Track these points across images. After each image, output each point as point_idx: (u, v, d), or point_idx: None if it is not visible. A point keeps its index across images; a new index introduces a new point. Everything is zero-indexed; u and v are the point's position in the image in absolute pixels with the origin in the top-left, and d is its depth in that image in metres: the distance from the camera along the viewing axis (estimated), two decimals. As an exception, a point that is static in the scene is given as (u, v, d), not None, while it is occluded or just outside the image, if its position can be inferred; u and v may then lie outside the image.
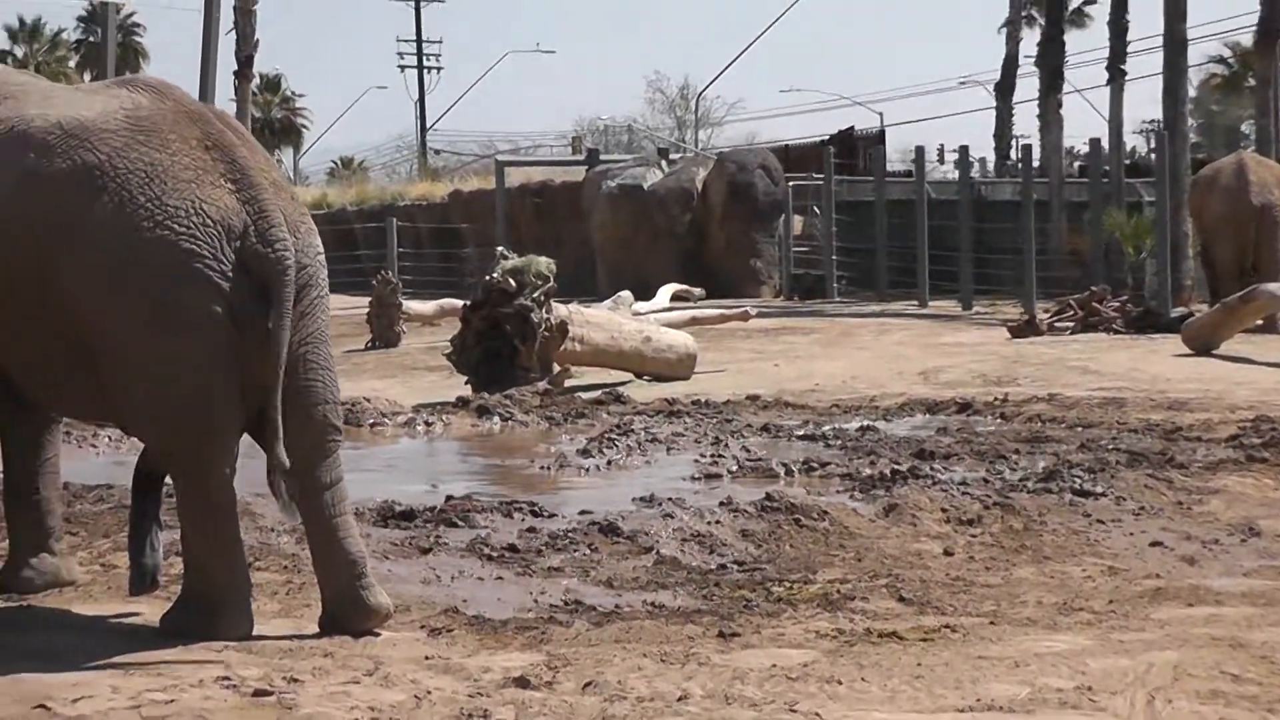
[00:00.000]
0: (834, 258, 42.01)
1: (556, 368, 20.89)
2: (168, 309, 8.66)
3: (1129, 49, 45.97)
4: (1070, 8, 53.26)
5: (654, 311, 27.24)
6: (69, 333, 8.96)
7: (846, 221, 42.90)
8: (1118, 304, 29.04)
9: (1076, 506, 12.08)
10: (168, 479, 9.52)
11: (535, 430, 16.98)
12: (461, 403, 18.32)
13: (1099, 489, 12.49)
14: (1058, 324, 28.11)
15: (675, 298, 31.06)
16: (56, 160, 8.90)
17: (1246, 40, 69.45)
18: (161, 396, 8.79)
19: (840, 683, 7.95)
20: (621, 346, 22.13)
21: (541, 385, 19.97)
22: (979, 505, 11.98)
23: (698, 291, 33.65)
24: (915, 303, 37.98)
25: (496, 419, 17.38)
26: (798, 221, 43.49)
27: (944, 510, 11.86)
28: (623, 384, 21.24)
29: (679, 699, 7.65)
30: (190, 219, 8.66)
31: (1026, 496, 12.27)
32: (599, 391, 20.39)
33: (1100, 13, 56.45)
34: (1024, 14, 65.87)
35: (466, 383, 19.86)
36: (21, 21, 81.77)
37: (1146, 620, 9.37)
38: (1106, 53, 46.42)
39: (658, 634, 9.06)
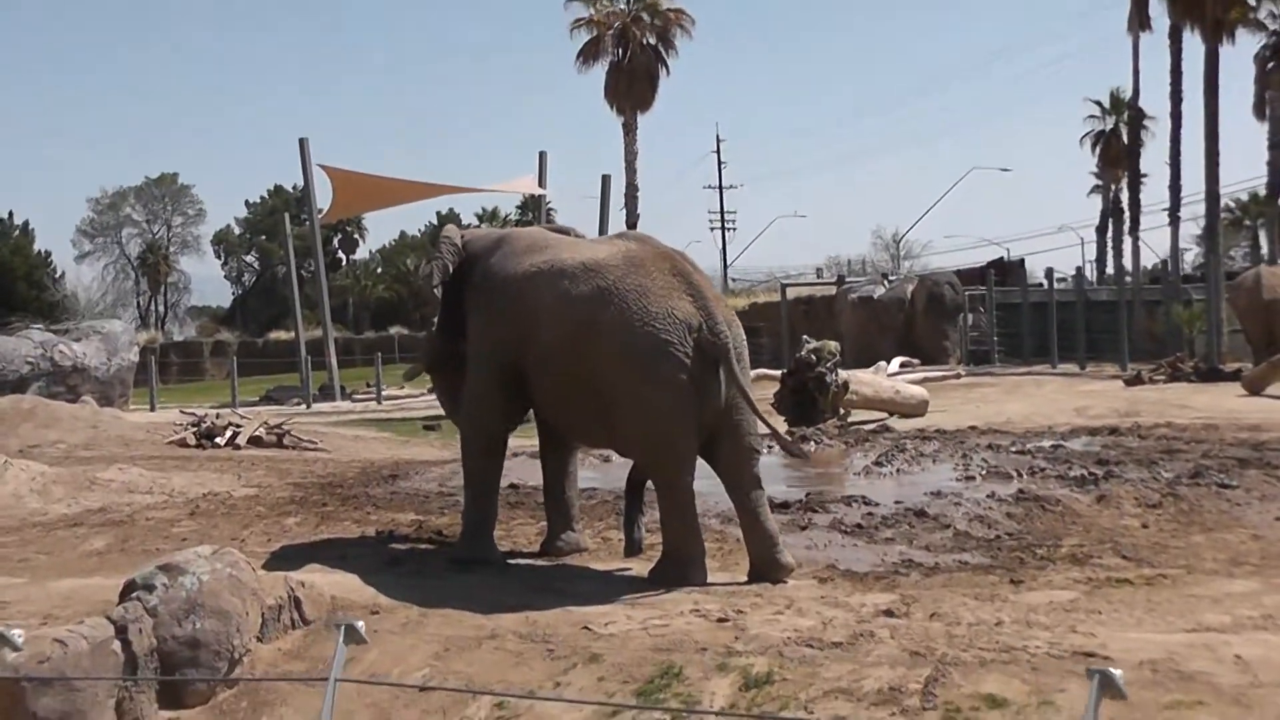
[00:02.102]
0: (995, 339, 41.64)
1: (841, 410, 20.61)
2: (653, 377, 8.69)
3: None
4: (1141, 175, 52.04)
5: (898, 374, 27.04)
6: (588, 391, 9.05)
7: (1001, 316, 42.56)
8: (1192, 364, 28.32)
9: (1220, 495, 11.47)
10: (648, 484, 9.44)
11: (838, 449, 16.58)
12: (789, 434, 17.86)
13: (1233, 482, 11.88)
14: (1154, 377, 27.31)
15: (902, 365, 30.71)
16: (581, 285, 9.06)
17: (1242, 195, 68.57)
18: (650, 432, 8.82)
19: (1100, 613, 7.67)
20: (882, 396, 21.85)
21: (833, 422, 19.75)
22: (1157, 495, 11.42)
23: (915, 361, 33.33)
24: (1048, 365, 37.07)
25: (812, 443, 16.99)
26: (971, 316, 42.74)
27: (1135, 498, 11.34)
28: (883, 419, 20.76)
29: (996, 624, 7.40)
30: (666, 320, 8.74)
31: (1186, 488, 11.69)
32: (871, 424, 20.02)
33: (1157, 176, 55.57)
34: (1102, 182, 65.03)
35: (785, 420, 19.38)
36: (484, 209, 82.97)
37: (1291, 570, 8.89)
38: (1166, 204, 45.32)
39: (970, 581, 8.78)
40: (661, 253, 9.28)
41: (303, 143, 35.09)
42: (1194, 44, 42.46)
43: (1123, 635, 7.00)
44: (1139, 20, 49.52)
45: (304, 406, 32.12)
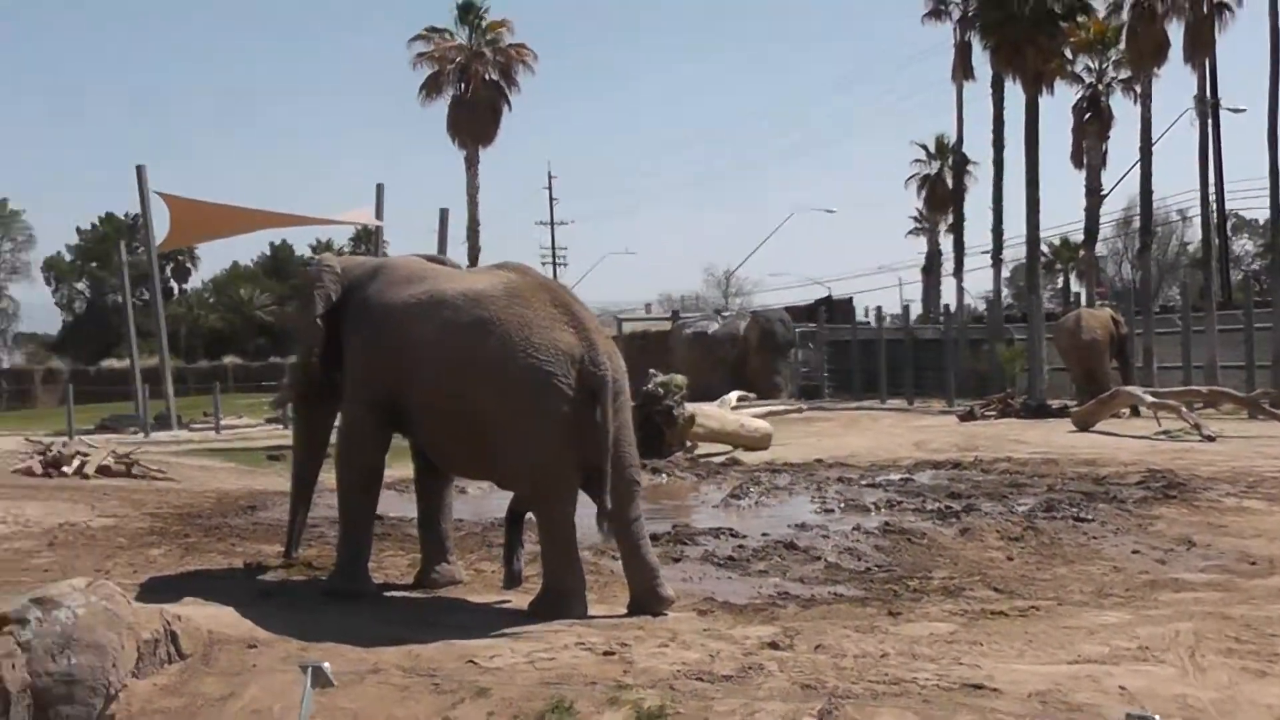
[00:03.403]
0: (825, 374, 42.12)
1: (688, 443, 20.62)
2: (535, 409, 8.55)
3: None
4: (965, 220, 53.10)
5: (739, 407, 27.03)
6: (469, 423, 8.86)
7: (830, 352, 43.03)
8: (1020, 401, 28.76)
9: (1077, 528, 11.61)
10: (528, 515, 9.28)
11: (691, 482, 16.58)
12: (641, 466, 17.76)
13: (1088, 516, 12.04)
14: (986, 413, 27.71)
15: (739, 399, 30.65)
16: (462, 315, 8.88)
17: (1054, 240, 70.38)
18: (532, 464, 8.68)
19: (981, 644, 7.61)
20: (727, 429, 21.87)
21: (680, 455, 19.77)
22: (1018, 528, 11.52)
23: (751, 395, 33.33)
24: (878, 400, 37.51)
25: (664, 475, 16.99)
26: (801, 352, 43.12)
27: (997, 531, 11.42)
28: (728, 452, 20.78)
29: (881, 656, 7.32)
30: (548, 351, 8.59)
31: (1044, 521, 11.81)
32: (720, 457, 20.07)
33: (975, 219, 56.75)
34: (924, 225, 66.25)
35: (632, 453, 19.26)
36: (319, 241, 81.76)
37: (1156, 601, 8.97)
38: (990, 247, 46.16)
39: (848, 613, 8.70)
40: (542, 284, 9.19)
41: (140, 170, 34.26)
42: (1016, 93, 43.35)
43: (1007, 667, 6.95)
44: (962, 69, 50.61)
45: (142, 435, 31.31)
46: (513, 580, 9.36)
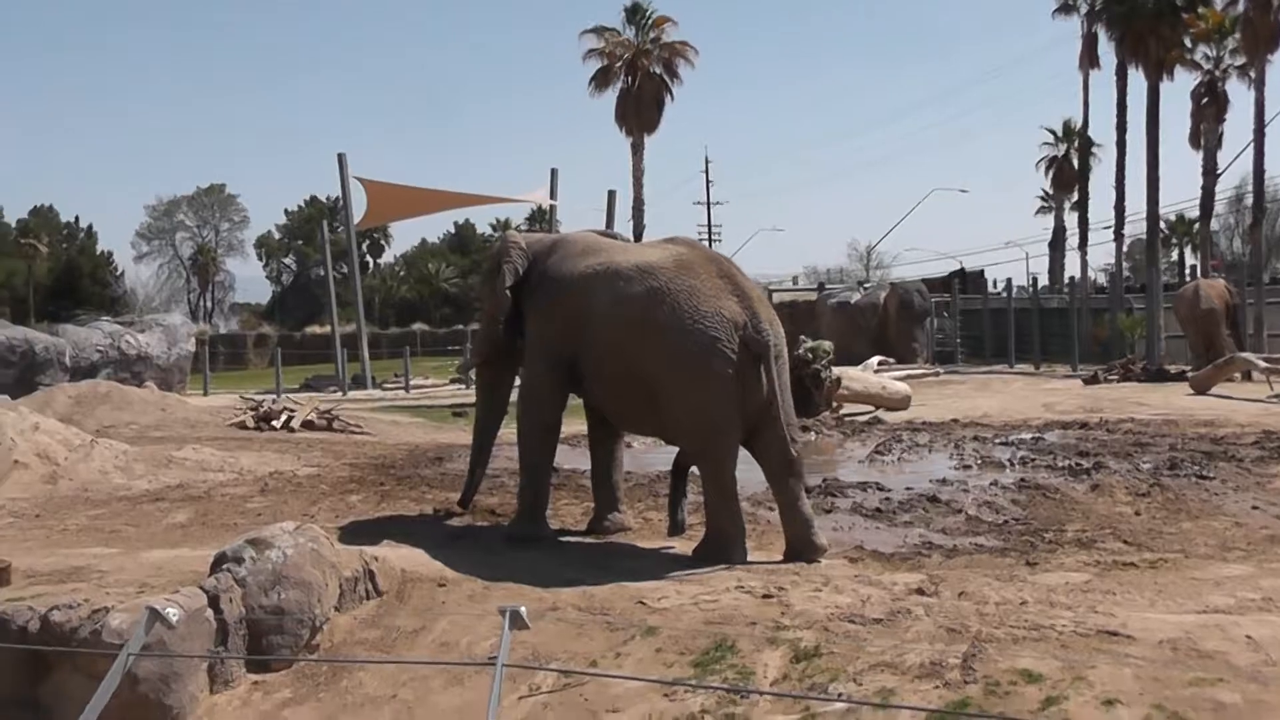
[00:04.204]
0: (958, 340, 41.47)
1: (835, 404, 20.37)
2: (702, 371, 8.46)
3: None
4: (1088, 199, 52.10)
5: (881, 371, 26.70)
6: (640, 384, 8.79)
7: (963, 321, 42.40)
8: (1141, 366, 28.01)
9: (1199, 485, 11.19)
10: (692, 468, 9.23)
11: (837, 439, 16.37)
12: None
13: (1209, 474, 11.62)
14: (1109, 377, 27.03)
15: (880, 364, 30.25)
16: (635, 285, 8.82)
17: (1170, 217, 68.20)
18: (699, 422, 8.59)
19: (1114, 594, 7.39)
20: (870, 391, 21.57)
21: (828, 414, 19.54)
22: (1144, 485, 11.15)
23: (891, 360, 32.89)
24: (1006, 365, 36.78)
25: (813, 433, 16.75)
26: (936, 320, 42.46)
27: (1126, 488, 11.06)
28: (871, 412, 20.48)
29: (1021, 603, 7.13)
30: (715, 318, 8.50)
31: (1169, 478, 11.43)
32: (864, 417, 19.82)
33: (1101, 199, 55.75)
34: (1051, 203, 64.91)
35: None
36: (498, 220, 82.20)
37: (1277, 555, 8.64)
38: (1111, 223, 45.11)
39: (988, 563, 8.52)
40: (709, 256, 9.13)
41: (341, 158, 34.68)
42: (1138, 80, 42.40)
43: (1140, 615, 6.73)
44: (1089, 58, 49.61)
45: (340, 394, 31.78)
46: (677, 528, 9.32)
